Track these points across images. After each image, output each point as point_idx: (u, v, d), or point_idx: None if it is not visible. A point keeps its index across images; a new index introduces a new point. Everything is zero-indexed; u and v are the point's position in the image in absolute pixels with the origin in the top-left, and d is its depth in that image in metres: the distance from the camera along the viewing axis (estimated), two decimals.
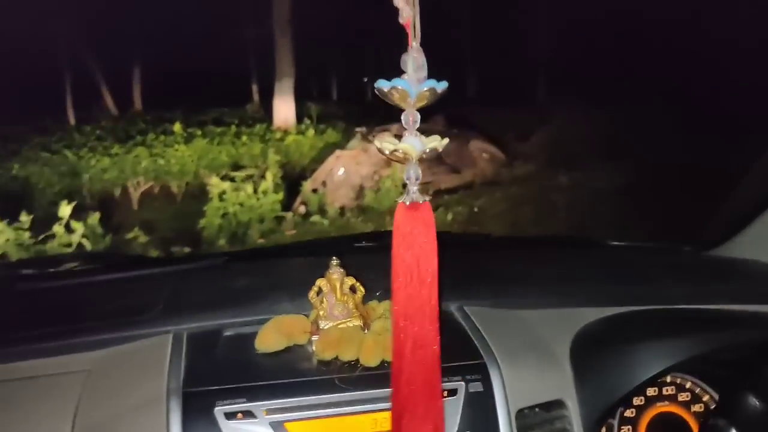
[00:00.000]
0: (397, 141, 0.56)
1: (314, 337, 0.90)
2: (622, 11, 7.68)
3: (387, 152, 0.56)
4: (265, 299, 1.02)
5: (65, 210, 3.85)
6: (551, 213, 5.13)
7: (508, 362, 0.88)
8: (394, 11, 0.54)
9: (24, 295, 1.19)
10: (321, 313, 0.90)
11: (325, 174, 7.00)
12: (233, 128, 9.12)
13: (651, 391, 1.04)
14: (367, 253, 1.22)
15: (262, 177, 6.06)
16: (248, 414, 0.80)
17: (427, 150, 0.56)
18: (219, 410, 0.80)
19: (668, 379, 1.04)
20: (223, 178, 5.77)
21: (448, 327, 0.92)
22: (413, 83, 0.53)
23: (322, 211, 5.69)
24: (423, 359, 0.66)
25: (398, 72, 0.55)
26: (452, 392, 0.82)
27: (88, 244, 3.84)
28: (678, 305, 1.07)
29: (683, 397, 1.05)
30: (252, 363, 0.89)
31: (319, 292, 0.91)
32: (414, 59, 0.53)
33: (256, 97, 13.17)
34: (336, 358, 0.87)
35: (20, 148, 7.97)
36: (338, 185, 6.73)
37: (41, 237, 3.81)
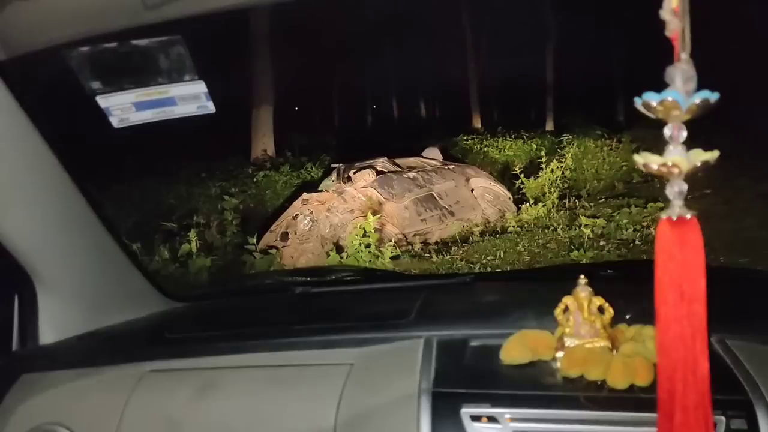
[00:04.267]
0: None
1: (559, 354, 0.91)
2: None
3: (654, 167, 0.53)
4: (511, 315, 1.07)
5: None
6: None
7: None
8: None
9: (300, 297, 1.37)
10: (567, 330, 0.92)
11: (287, 223, 5.75)
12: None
13: None
14: (615, 281, 1.25)
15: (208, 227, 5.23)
16: (492, 419, 0.83)
17: (698, 164, 0.54)
18: (465, 412, 0.84)
19: None
20: (151, 233, 4.84)
21: None
22: (681, 95, 0.52)
23: None
24: (692, 385, 0.61)
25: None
26: None
27: None
28: None
29: None
30: (497, 372, 0.92)
31: (566, 309, 0.93)
32: (683, 71, 0.52)
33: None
34: (581, 377, 0.88)
35: None
36: (303, 238, 5.45)
37: None
